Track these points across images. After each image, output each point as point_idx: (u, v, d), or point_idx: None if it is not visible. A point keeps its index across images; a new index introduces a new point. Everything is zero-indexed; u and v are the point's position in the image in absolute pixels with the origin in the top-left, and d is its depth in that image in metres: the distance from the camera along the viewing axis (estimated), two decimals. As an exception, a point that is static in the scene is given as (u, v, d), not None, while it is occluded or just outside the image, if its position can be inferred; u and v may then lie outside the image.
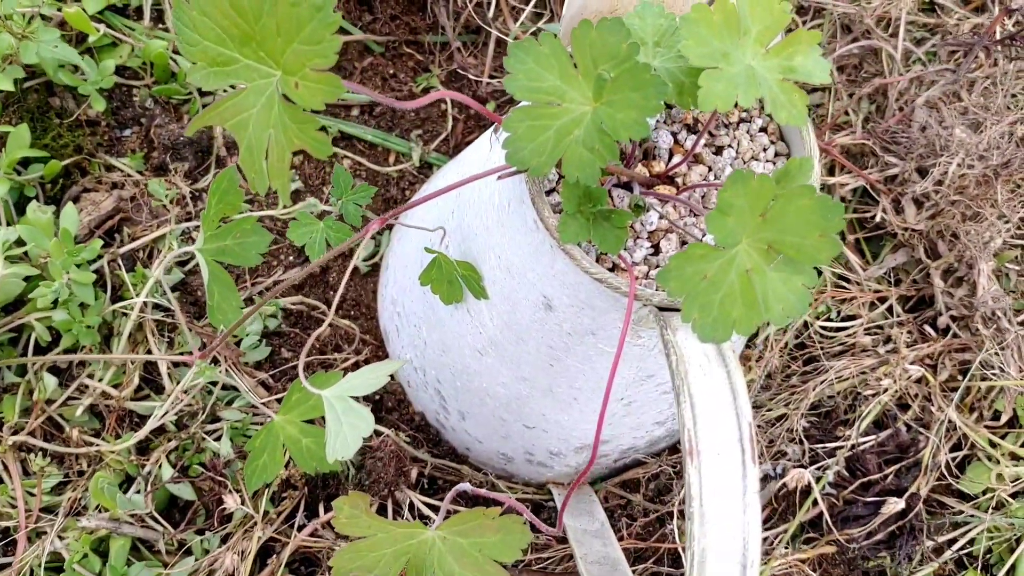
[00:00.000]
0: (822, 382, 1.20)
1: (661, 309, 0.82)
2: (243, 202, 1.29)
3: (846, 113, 1.29)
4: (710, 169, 0.92)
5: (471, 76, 1.34)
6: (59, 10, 1.19)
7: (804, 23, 1.33)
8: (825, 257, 0.72)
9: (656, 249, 0.89)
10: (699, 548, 0.65)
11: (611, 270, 0.86)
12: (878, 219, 1.21)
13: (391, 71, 1.38)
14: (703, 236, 0.89)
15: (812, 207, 0.70)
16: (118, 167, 1.23)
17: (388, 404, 1.23)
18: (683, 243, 0.89)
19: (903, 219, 1.22)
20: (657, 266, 0.88)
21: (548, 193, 0.88)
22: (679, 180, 0.91)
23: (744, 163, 0.92)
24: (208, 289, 0.98)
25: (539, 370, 1.00)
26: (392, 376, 1.27)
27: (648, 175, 0.90)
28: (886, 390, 1.18)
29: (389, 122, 1.37)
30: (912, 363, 1.18)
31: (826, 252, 0.72)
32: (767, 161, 0.92)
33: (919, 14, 1.34)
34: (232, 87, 0.74)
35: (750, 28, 0.77)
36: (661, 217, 0.88)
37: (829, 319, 1.25)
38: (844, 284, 1.26)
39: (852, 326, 1.23)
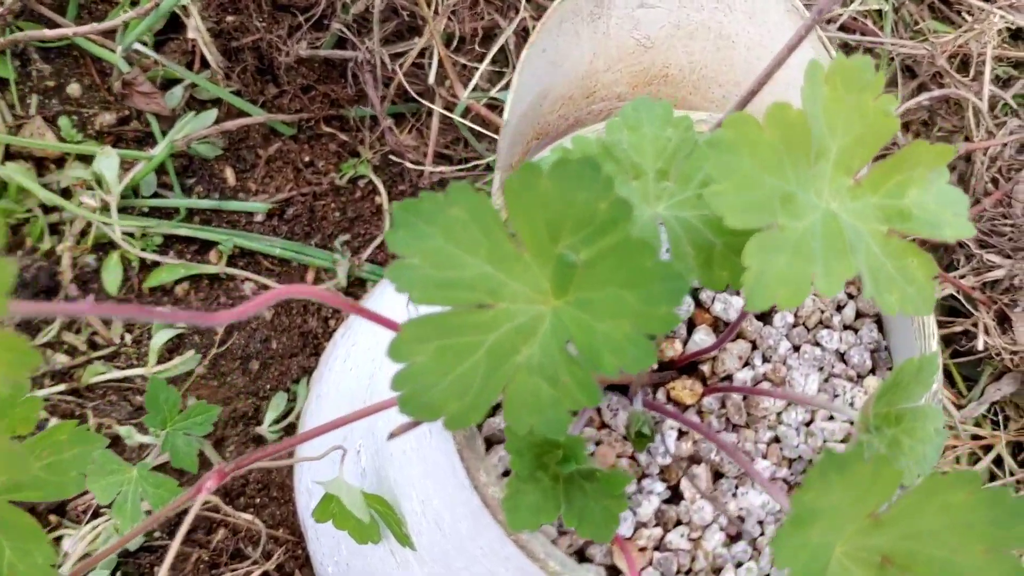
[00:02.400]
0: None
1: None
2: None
3: (918, 190, 0.94)
4: (754, 346, 0.57)
5: (409, 162, 1.00)
6: None
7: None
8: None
9: (674, 492, 0.54)
10: None
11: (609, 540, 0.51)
12: (980, 344, 0.86)
13: (307, 158, 1.04)
14: (752, 462, 0.55)
15: (972, 506, 0.36)
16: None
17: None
18: (718, 475, 0.55)
19: (1012, 339, 0.87)
20: (678, 522, 0.54)
21: (494, 411, 0.53)
22: (705, 368, 0.57)
23: (808, 330, 0.58)
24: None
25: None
26: (317, 584, 0.93)
27: (657, 364, 0.56)
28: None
29: (306, 227, 1.02)
30: (1043, 551, 0.82)
31: (998, 577, 0.37)
32: (845, 328, 0.58)
33: (1003, 46, 0.99)
34: None
35: (829, 145, 0.43)
36: (683, 436, 0.54)
37: (915, 481, 0.89)
38: (931, 428, 0.91)
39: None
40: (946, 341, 0.95)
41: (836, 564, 0.40)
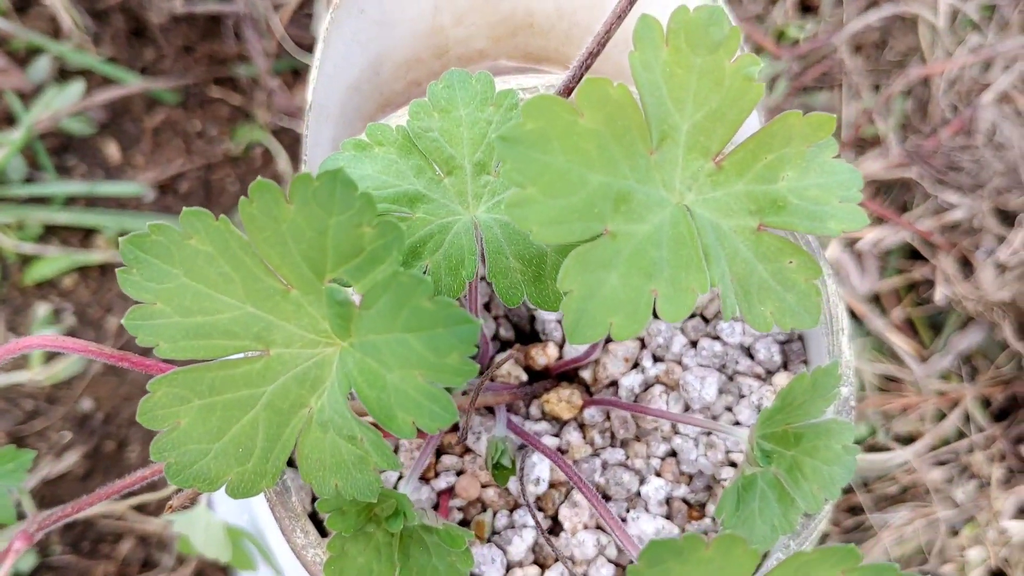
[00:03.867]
0: (875, 544, 0.79)
1: None
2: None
3: (871, 120, 0.84)
4: (643, 344, 0.49)
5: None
6: None
7: (794, -16, 0.88)
8: None
9: (553, 522, 0.46)
10: None
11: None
12: (939, 296, 0.78)
13: (197, 126, 0.94)
14: (639, 484, 0.47)
15: None
16: None
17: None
18: (605, 498, 0.47)
19: (976, 286, 0.78)
20: (566, 558, 0.46)
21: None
22: (587, 374, 0.48)
23: (706, 322, 0.49)
24: None
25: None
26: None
27: (526, 376, 0.47)
28: (975, 562, 0.77)
29: (203, 202, 0.93)
30: (1013, 518, 0.76)
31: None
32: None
33: (966, -52, 0.87)
34: None
35: (677, 123, 0.33)
36: (556, 462, 0.46)
37: (875, 446, 0.83)
38: (895, 383, 0.83)
39: (911, 455, 0.81)
40: (907, 288, 0.86)
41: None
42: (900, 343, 0.84)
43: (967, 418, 0.82)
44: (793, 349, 0.49)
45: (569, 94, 0.38)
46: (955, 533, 0.79)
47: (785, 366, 0.49)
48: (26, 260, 0.90)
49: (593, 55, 0.37)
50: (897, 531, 0.79)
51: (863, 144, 0.86)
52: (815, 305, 0.35)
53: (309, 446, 0.35)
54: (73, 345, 0.38)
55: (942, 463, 0.82)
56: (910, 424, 0.83)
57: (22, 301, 0.90)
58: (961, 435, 0.83)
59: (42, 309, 0.89)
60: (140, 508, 0.87)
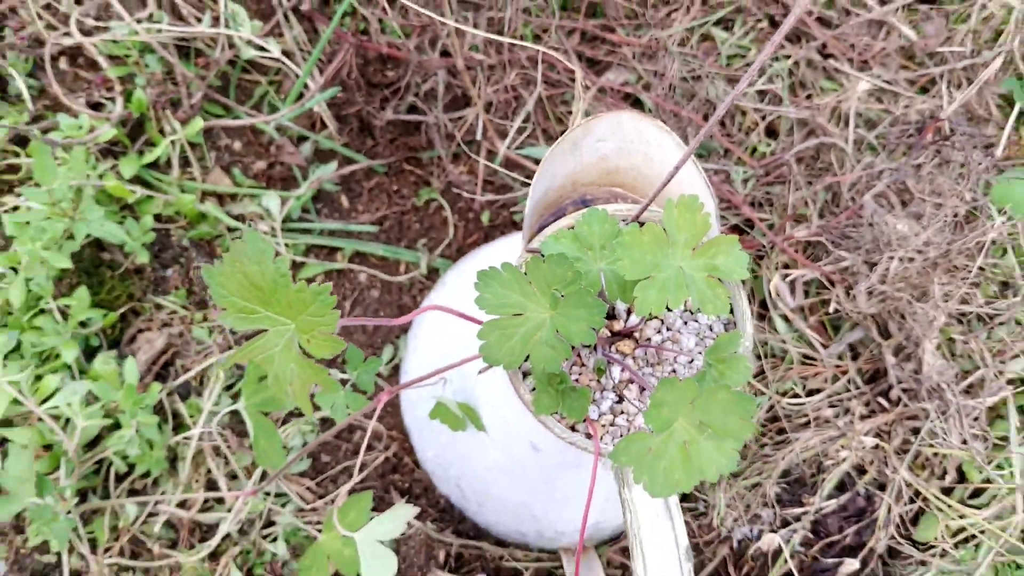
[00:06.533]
0: (790, 452, 1.37)
1: (622, 464, 0.99)
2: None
3: (805, 204, 1.43)
4: (662, 322, 1.08)
5: (465, 191, 1.50)
6: (101, 177, 1.37)
7: (763, 118, 1.47)
8: (744, 435, 0.89)
9: (620, 398, 1.06)
10: None
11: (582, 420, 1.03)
12: (833, 308, 1.36)
13: (395, 187, 1.55)
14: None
15: (731, 400, 0.87)
16: (165, 305, 1.43)
17: (416, 491, 1.43)
18: (642, 390, 1.06)
19: (855, 305, 1.37)
20: (623, 412, 1.06)
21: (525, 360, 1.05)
22: (637, 335, 1.08)
23: (692, 314, 1.09)
24: (254, 439, 1.18)
25: (538, 486, 1.18)
26: (419, 466, 1.47)
27: (610, 333, 1.07)
28: (845, 459, 1.35)
29: (397, 235, 1.54)
30: (867, 434, 1.34)
31: (745, 431, 0.88)
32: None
33: (870, 101, 1.46)
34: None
35: (677, 238, 0.93)
36: (623, 370, 1.05)
37: (796, 395, 1.41)
38: (810, 360, 1.42)
39: (815, 401, 1.39)
40: (820, 303, 1.45)
41: (679, 428, 0.91)
42: (814, 336, 1.43)
43: (851, 381, 1.41)
44: (731, 327, 1.08)
45: (638, 219, 0.97)
46: (834, 442, 1.37)
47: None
48: (296, 265, 1.51)
49: (651, 200, 0.97)
50: (804, 443, 1.38)
51: (799, 219, 1.45)
52: (725, 304, 0.93)
53: (535, 352, 0.94)
54: (457, 313, 0.97)
55: (833, 406, 1.40)
56: (817, 383, 1.42)
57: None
58: (847, 390, 1.41)
59: (308, 295, 1.49)
60: (364, 415, 1.47)
